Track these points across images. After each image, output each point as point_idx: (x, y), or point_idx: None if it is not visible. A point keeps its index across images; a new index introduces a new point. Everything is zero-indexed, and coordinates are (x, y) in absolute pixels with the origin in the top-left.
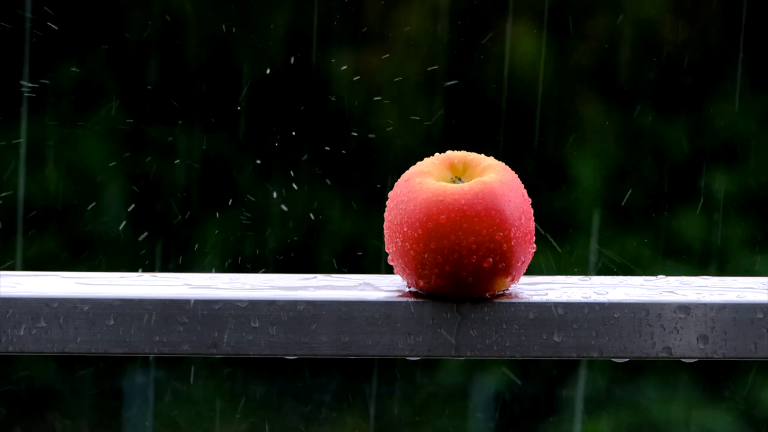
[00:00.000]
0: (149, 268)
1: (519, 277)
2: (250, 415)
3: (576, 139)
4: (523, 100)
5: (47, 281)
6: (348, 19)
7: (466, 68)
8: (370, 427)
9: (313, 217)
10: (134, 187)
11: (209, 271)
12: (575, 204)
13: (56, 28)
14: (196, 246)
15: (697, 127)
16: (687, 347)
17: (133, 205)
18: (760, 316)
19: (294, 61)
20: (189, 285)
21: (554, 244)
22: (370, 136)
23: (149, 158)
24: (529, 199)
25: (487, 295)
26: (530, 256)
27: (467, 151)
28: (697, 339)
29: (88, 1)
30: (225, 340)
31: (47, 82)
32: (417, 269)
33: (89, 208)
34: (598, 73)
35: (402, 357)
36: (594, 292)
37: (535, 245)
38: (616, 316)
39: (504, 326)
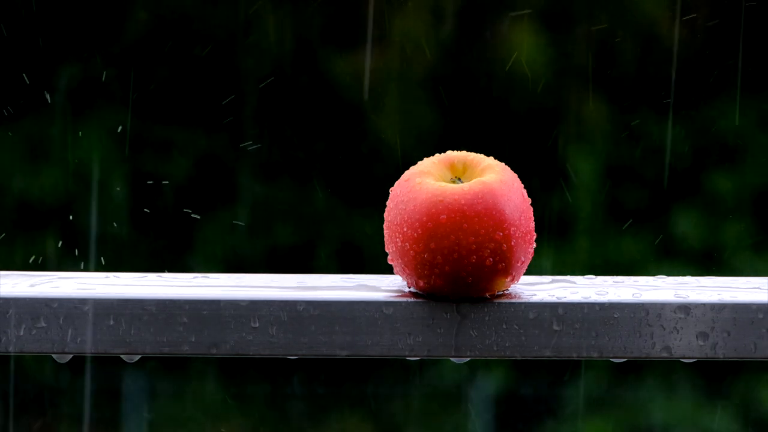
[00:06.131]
0: (149, 267)
1: (519, 277)
2: (250, 415)
3: (575, 138)
4: (522, 99)
5: (47, 281)
6: (348, 19)
7: (465, 68)
8: (370, 427)
9: (312, 217)
10: (134, 187)
11: (209, 270)
12: (575, 204)
13: (58, 27)
14: (196, 246)
15: (697, 127)
16: (687, 347)
17: (133, 205)
18: (760, 316)
19: (294, 62)
20: (189, 285)
21: (554, 244)
22: (370, 135)
23: (150, 158)
24: (529, 199)
25: (487, 295)
26: (530, 256)
27: (467, 151)
28: (697, 339)
29: (90, 1)
30: (225, 340)
31: (48, 81)
32: (417, 269)
33: (89, 207)
34: (598, 72)
35: (402, 357)
36: (594, 292)
37: (535, 245)
38: (616, 316)
39: (504, 326)
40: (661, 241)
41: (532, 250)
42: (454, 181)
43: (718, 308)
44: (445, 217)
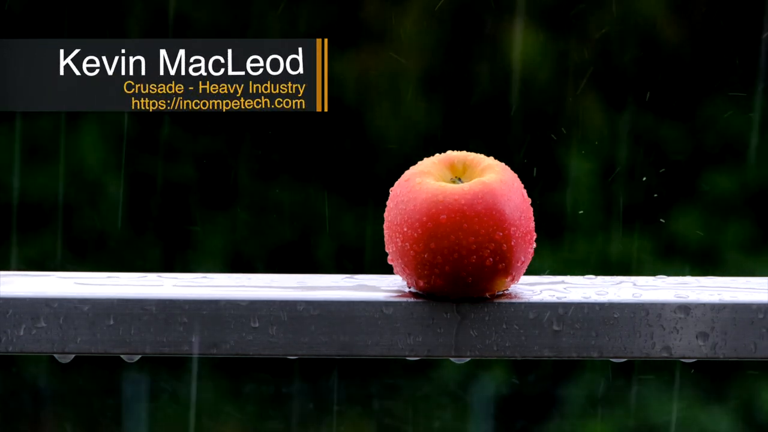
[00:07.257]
0: (149, 268)
1: (519, 277)
2: (250, 415)
3: (575, 138)
4: (522, 99)
5: (47, 281)
6: (347, 18)
7: (465, 68)
8: (369, 427)
9: (312, 217)
10: (135, 187)
11: (209, 271)
12: (574, 203)
13: (55, 23)
14: (196, 246)
15: (697, 126)
16: (687, 347)
17: (133, 205)
18: (760, 316)
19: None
20: (189, 285)
21: (553, 244)
22: (370, 135)
23: (149, 158)
24: (529, 199)
25: (487, 295)
26: (530, 256)
27: (467, 151)
28: (697, 339)
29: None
30: (225, 340)
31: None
32: (417, 269)
33: (89, 208)
34: (597, 72)
35: (402, 357)
36: (594, 292)
37: (535, 245)
38: (616, 316)
39: (504, 326)
40: (661, 241)
41: (532, 250)
42: (454, 181)
43: (718, 308)
44: (445, 217)
